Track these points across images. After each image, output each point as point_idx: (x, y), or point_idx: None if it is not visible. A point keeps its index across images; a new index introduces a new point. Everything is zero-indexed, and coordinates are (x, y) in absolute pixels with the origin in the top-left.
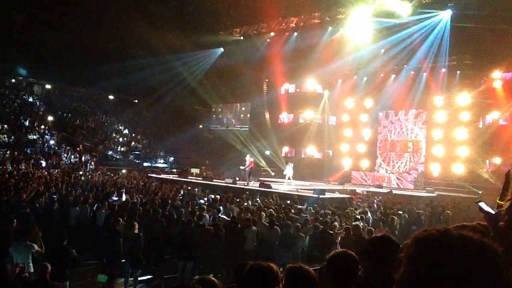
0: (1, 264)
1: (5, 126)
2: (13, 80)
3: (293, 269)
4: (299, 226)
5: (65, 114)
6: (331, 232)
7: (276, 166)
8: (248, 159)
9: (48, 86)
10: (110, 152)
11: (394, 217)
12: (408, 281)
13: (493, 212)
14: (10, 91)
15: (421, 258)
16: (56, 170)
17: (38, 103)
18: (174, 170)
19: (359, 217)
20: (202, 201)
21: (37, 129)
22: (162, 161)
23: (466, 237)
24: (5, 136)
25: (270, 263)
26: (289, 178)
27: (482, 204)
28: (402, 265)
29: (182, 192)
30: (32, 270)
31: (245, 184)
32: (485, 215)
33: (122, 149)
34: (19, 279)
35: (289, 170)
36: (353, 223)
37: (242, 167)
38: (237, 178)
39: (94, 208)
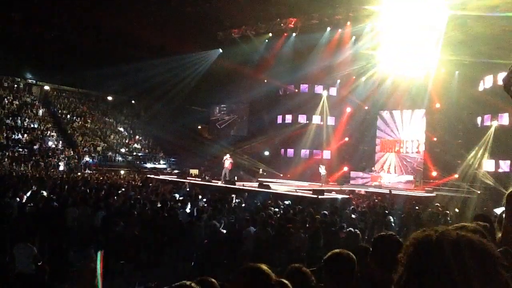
0: (1, 265)
1: (4, 127)
2: (11, 82)
3: (291, 270)
4: (298, 227)
5: (63, 115)
6: (334, 232)
7: (276, 167)
8: (228, 158)
9: (46, 87)
10: (109, 153)
11: (393, 217)
12: (406, 282)
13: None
14: (9, 92)
15: (419, 259)
16: (55, 171)
17: (37, 104)
18: (174, 171)
19: (354, 216)
20: (201, 202)
21: (36, 130)
22: (157, 161)
23: (464, 237)
24: (4, 137)
25: (261, 264)
26: (322, 180)
27: (497, 211)
28: (399, 265)
29: (182, 193)
30: (33, 271)
31: (221, 182)
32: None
33: (122, 150)
34: (18, 281)
35: (322, 172)
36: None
37: (226, 167)
38: (236, 178)
39: (93, 209)
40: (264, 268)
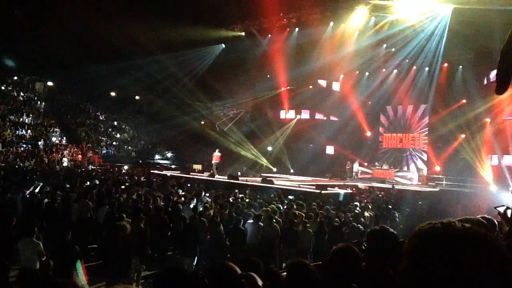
0: (1, 263)
1: (8, 123)
2: (16, 78)
3: (293, 264)
4: (306, 222)
5: (67, 111)
6: (338, 227)
7: (279, 162)
8: (216, 153)
9: (50, 84)
10: (112, 149)
11: (397, 212)
12: (411, 274)
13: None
14: (12, 88)
15: (424, 250)
16: (59, 167)
17: (40, 100)
18: (175, 167)
19: (358, 211)
20: (205, 197)
21: (39, 126)
22: (160, 156)
23: (470, 230)
24: (9, 133)
25: (228, 262)
26: (353, 176)
27: (500, 209)
28: (404, 257)
29: (185, 188)
30: (37, 266)
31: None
32: (502, 215)
33: (125, 145)
34: (22, 276)
35: (355, 168)
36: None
37: (214, 161)
38: (239, 173)
39: (97, 204)
40: (229, 265)
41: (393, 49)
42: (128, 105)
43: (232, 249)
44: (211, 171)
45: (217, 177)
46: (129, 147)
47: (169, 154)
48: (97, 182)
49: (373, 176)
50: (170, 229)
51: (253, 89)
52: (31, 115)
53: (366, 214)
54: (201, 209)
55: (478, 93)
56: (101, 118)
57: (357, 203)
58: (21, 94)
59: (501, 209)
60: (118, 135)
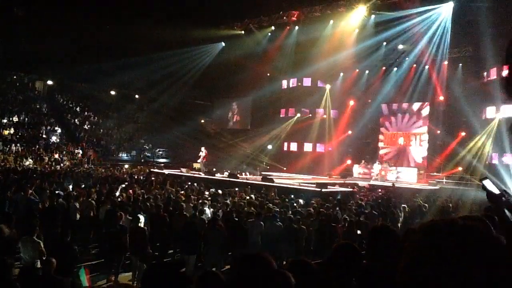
0: (1, 260)
1: (8, 122)
2: (15, 77)
3: (294, 262)
4: (299, 220)
5: (67, 110)
6: (337, 225)
7: (279, 160)
8: (203, 151)
9: (50, 82)
10: (112, 148)
11: (397, 210)
12: (412, 270)
13: (497, 192)
14: (13, 87)
15: (425, 247)
16: (59, 166)
17: (40, 99)
18: (175, 165)
19: (358, 209)
20: (205, 195)
21: (39, 125)
22: (160, 155)
23: (471, 226)
24: (9, 132)
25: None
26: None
27: (486, 182)
28: (404, 254)
29: (185, 187)
30: (38, 265)
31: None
32: (488, 194)
33: (125, 144)
34: (24, 274)
35: (376, 169)
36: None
37: (201, 160)
38: (238, 172)
39: (97, 203)
40: (265, 256)
41: (393, 47)
42: (128, 103)
43: (233, 247)
44: (204, 170)
45: (217, 176)
46: (129, 146)
47: (169, 153)
48: (99, 180)
49: (374, 174)
50: (171, 227)
51: (253, 87)
52: (30, 114)
53: (367, 212)
54: (201, 207)
55: (478, 90)
56: (101, 117)
57: (358, 201)
58: (21, 93)
59: (486, 183)
60: (118, 134)
